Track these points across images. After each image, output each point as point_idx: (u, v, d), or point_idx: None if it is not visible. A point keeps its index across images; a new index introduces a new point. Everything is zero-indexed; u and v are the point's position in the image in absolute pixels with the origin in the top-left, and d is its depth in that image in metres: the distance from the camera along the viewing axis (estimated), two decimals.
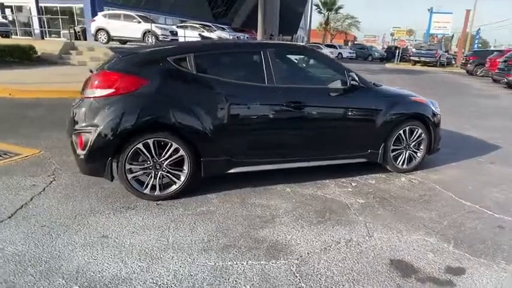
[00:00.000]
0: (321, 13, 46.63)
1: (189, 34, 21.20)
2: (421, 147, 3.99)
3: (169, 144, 2.99)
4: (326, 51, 25.18)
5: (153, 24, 16.67)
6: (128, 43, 17.18)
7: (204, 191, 3.27)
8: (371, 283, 2.11)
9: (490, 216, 3.04)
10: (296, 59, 3.97)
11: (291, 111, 3.30)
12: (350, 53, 34.16)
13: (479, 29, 32.54)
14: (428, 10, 46.41)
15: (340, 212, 3.02)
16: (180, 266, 2.20)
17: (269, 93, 3.28)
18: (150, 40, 16.18)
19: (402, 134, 3.84)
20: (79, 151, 2.92)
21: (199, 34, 13.10)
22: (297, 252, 2.39)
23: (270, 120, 3.28)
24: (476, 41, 31.33)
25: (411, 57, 26.39)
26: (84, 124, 2.88)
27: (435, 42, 38.18)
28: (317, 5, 45.53)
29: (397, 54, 28.96)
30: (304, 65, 3.80)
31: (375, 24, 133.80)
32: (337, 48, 33.45)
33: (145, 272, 2.13)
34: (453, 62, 28.34)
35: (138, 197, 3.08)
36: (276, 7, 37.59)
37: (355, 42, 56.91)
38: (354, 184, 3.64)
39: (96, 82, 2.91)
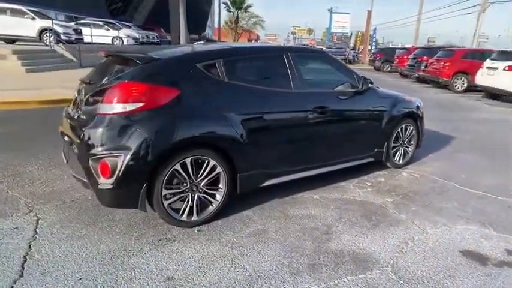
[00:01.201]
0: (230, 11, 47.54)
1: (96, 33, 19.29)
2: (412, 142, 4.49)
3: (207, 161, 2.74)
4: None
5: (53, 21, 14.63)
6: (17, 42, 14.82)
7: (234, 210, 3.09)
8: (464, 275, 2.33)
9: (496, 199, 3.60)
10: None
11: (317, 117, 3.35)
12: None
13: (375, 28, 37.44)
14: (329, 10, 51.73)
15: (381, 212, 3.20)
16: None
17: (296, 99, 3.28)
18: (50, 40, 14.16)
19: (399, 132, 4.25)
20: (102, 180, 2.47)
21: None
22: (382, 260, 2.46)
23: (299, 126, 3.28)
24: (373, 39, 35.99)
25: None
26: (107, 147, 2.44)
27: (337, 40, 42.65)
28: (226, 4, 46.25)
29: None
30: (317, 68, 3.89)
31: (276, 23, 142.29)
32: None
33: None
34: (357, 59, 31.82)
35: (173, 226, 2.76)
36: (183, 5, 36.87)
37: (258, 41, 59.79)
38: (368, 184, 3.89)
39: (118, 95, 2.49)
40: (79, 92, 2.98)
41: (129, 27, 24.91)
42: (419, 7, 28.91)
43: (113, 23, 23.32)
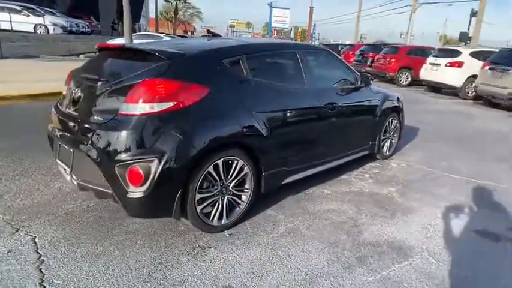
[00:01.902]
0: (168, 1, 45.77)
1: (15, 19, 17.18)
2: (395, 134, 4.84)
3: (236, 162, 2.67)
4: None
5: None
6: None
7: (256, 210, 3.04)
8: (486, 251, 2.64)
9: (481, 184, 4.05)
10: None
11: (329, 112, 3.45)
12: None
13: (315, 25, 39.07)
14: (269, 5, 52.49)
15: (392, 202, 3.42)
16: None
17: (311, 95, 3.34)
18: None
19: (387, 125, 4.56)
20: (133, 188, 2.26)
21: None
22: (416, 246, 2.65)
23: (314, 122, 3.35)
24: (313, 35, 37.59)
25: None
26: (137, 152, 2.24)
27: (278, 35, 43.56)
28: None
29: None
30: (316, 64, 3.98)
31: (215, 15, 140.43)
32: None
33: None
34: None
35: (201, 232, 2.65)
36: None
37: (195, 33, 58.94)
38: (367, 176, 4.10)
39: (146, 94, 2.29)
40: (76, 87, 2.68)
41: (53, 14, 22.64)
42: (358, 6, 30.80)
43: (33, 8, 20.99)
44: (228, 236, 2.67)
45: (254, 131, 2.73)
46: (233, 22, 77.27)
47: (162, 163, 2.24)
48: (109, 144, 2.28)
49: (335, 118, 3.54)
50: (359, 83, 4.01)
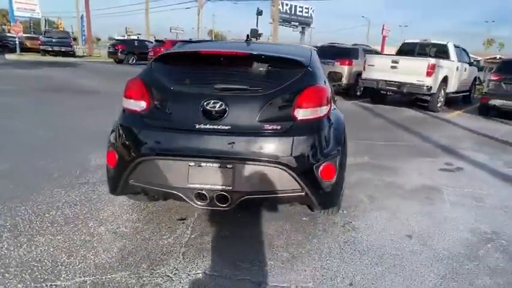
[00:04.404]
0: None
1: None
2: None
3: None
4: None
5: None
6: None
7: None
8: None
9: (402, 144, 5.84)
10: None
11: None
12: None
13: (82, 16, 35.09)
14: None
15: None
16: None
17: None
18: None
19: None
20: (326, 183, 2.45)
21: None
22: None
23: None
24: (82, 28, 33.67)
25: (41, 47, 25.00)
26: (327, 149, 2.47)
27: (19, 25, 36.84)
28: None
29: (17, 42, 25.92)
30: None
31: None
32: None
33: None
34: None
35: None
36: None
37: None
38: None
39: (318, 100, 2.47)
40: (208, 99, 2.36)
41: None
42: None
43: None
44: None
45: None
46: None
47: (340, 155, 2.53)
48: (303, 148, 2.36)
49: None
50: None
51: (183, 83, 2.49)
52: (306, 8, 38.82)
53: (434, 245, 2.65)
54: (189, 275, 2.16)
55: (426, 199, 3.51)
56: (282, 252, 2.46)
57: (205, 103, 2.35)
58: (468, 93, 11.72)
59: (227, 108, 2.34)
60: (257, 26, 24.41)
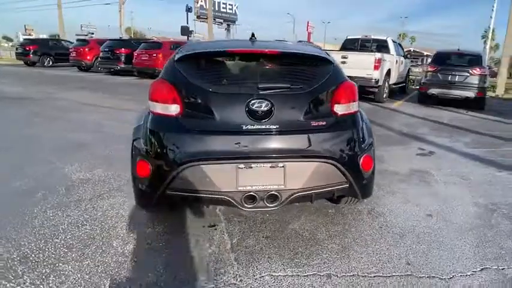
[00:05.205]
0: None
1: None
2: None
3: None
4: None
5: None
6: None
7: None
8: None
9: None
10: None
11: None
12: None
13: None
14: None
15: None
16: None
17: None
18: None
19: None
20: (366, 174, 2.64)
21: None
22: None
23: None
24: None
25: None
26: (367, 141, 2.70)
27: None
28: None
29: None
30: None
31: None
32: None
33: None
34: None
35: None
36: None
37: None
38: None
39: (353, 94, 2.66)
40: (248, 99, 2.36)
41: None
42: None
43: None
44: None
45: None
46: None
47: (373, 147, 2.73)
48: (346, 141, 2.50)
49: None
50: None
51: (221, 84, 2.44)
52: (229, 5, 39.30)
53: (454, 220, 2.96)
54: (256, 279, 2.14)
55: (422, 182, 3.86)
56: (329, 244, 2.54)
57: (250, 103, 2.34)
58: (404, 84, 12.95)
59: (273, 108, 2.36)
60: (187, 23, 24.09)
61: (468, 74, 9.44)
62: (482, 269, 2.29)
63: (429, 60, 13.52)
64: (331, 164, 2.42)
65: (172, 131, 2.35)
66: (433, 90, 9.83)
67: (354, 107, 2.62)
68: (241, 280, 2.13)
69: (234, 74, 2.62)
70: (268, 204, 2.37)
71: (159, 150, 2.36)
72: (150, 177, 2.37)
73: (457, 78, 9.54)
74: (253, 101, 2.35)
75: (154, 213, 2.92)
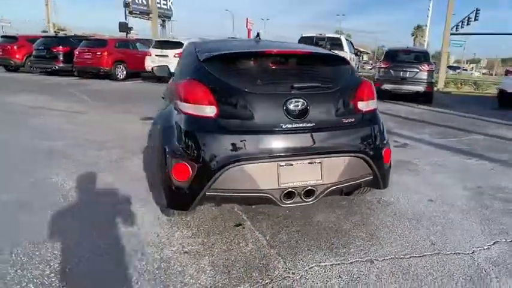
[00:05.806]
0: None
1: None
2: None
3: None
4: None
5: None
6: None
7: None
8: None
9: None
10: None
11: None
12: None
13: None
14: None
15: None
16: None
17: None
18: None
19: None
20: (386, 165, 2.89)
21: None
22: None
23: None
24: None
25: None
26: (386, 134, 2.99)
27: None
28: None
29: None
30: None
31: None
32: None
33: None
34: None
35: None
36: None
37: None
38: None
39: (372, 92, 2.93)
40: (288, 99, 2.50)
41: None
42: None
43: None
44: None
45: None
46: None
47: (388, 140, 3.01)
48: (372, 136, 2.75)
49: None
50: None
51: (256, 84, 2.53)
52: (164, 0, 38.34)
53: (454, 203, 3.33)
54: (306, 271, 2.27)
55: (411, 171, 4.25)
56: (357, 232, 2.76)
57: (287, 102, 2.48)
58: None
59: (308, 106, 2.52)
60: (126, 19, 23.14)
61: (418, 70, 10.33)
62: (494, 243, 2.65)
63: (365, 57, 14.38)
64: (361, 157, 2.64)
65: (214, 132, 2.40)
66: (387, 86, 10.60)
67: (374, 104, 2.87)
68: (293, 273, 2.25)
69: (267, 74, 2.71)
70: (305, 199, 2.51)
71: (200, 152, 2.39)
72: (190, 179, 2.39)
73: (408, 74, 10.40)
74: (290, 100, 2.48)
75: (169, 216, 2.91)
